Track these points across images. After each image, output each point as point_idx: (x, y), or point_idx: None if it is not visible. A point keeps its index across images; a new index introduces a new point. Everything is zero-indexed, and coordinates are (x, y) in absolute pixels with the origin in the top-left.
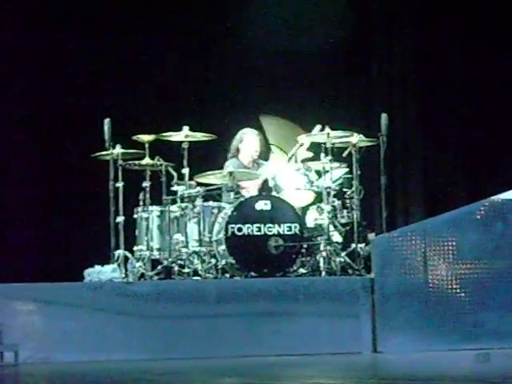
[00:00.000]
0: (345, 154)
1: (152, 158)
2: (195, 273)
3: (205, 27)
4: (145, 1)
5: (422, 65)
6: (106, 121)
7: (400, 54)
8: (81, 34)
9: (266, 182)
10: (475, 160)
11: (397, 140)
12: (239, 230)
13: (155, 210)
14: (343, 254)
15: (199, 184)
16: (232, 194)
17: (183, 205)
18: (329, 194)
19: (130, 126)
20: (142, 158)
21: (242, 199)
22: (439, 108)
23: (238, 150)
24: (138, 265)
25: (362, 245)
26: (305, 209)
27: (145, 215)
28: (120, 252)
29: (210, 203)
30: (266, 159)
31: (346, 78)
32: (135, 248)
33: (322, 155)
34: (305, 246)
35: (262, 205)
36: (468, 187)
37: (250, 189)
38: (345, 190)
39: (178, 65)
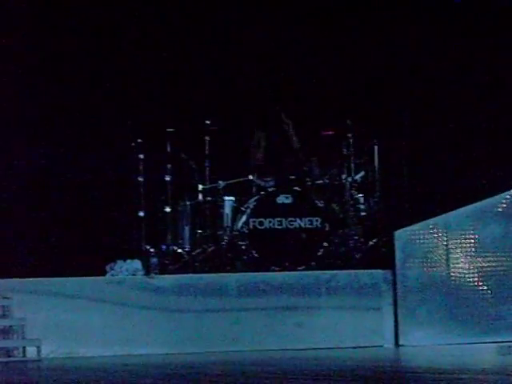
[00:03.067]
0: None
1: None
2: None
3: None
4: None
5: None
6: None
7: None
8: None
9: None
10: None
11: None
12: (260, 223)
13: None
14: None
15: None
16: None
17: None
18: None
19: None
20: None
21: (263, 193)
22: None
23: None
24: None
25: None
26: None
27: None
28: (142, 246)
29: (232, 197)
30: None
31: None
32: None
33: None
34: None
35: (283, 198)
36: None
37: None
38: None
39: None
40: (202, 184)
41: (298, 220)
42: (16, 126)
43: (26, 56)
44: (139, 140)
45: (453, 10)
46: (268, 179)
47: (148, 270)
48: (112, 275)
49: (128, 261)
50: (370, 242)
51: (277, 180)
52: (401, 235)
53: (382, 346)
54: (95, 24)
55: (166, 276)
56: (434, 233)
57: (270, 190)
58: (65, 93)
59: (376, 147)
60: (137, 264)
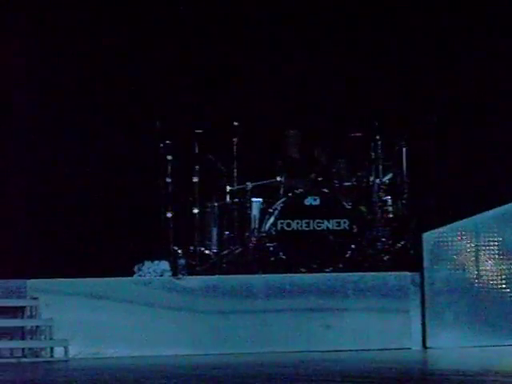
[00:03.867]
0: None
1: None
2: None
3: None
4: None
5: None
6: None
7: None
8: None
9: None
10: None
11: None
12: (288, 225)
13: None
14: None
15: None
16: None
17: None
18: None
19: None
20: None
21: (290, 194)
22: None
23: None
24: None
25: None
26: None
27: None
28: (170, 247)
29: (259, 199)
30: None
31: None
32: None
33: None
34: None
35: (311, 200)
36: None
37: None
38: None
39: None
40: (230, 185)
41: (326, 222)
42: (37, 133)
43: (49, 51)
44: (167, 141)
45: (477, 14)
46: (296, 181)
47: (175, 270)
48: (140, 276)
49: (156, 262)
50: (398, 244)
51: (305, 181)
52: (429, 237)
53: (409, 349)
54: (127, 24)
55: (194, 277)
56: (462, 235)
57: (297, 191)
58: (92, 94)
59: (404, 149)
60: (164, 265)
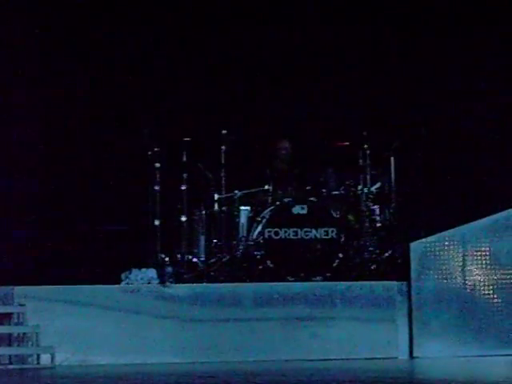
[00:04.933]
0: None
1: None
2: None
3: None
4: None
5: None
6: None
7: None
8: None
9: None
10: None
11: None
12: (276, 233)
13: None
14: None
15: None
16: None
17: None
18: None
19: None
20: None
21: (278, 203)
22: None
23: None
24: None
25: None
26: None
27: None
28: (158, 255)
29: (247, 207)
30: None
31: None
32: None
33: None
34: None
35: (299, 209)
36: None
37: None
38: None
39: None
40: (218, 193)
41: (314, 230)
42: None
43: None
44: (155, 149)
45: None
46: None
47: (163, 278)
48: (127, 283)
49: (143, 269)
50: (386, 254)
51: (293, 190)
52: (416, 247)
53: (396, 358)
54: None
55: (181, 285)
56: (450, 245)
57: (285, 200)
58: (79, 102)
59: (392, 158)
60: (152, 273)
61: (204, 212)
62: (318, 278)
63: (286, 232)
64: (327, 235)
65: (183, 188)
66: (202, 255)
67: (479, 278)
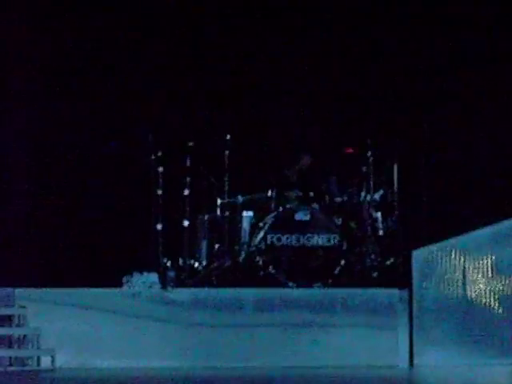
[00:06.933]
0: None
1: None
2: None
3: None
4: None
5: None
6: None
7: None
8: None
9: None
10: None
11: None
12: (278, 239)
13: None
14: None
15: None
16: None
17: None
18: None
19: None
20: None
21: (281, 209)
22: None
23: None
24: None
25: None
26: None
27: None
28: (160, 259)
29: (250, 212)
30: None
31: None
32: None
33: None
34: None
35: (302, 215)
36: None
37: None
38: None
39: None
40: (221, 198)
41: (316, 237)
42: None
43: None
44: (159, 153)
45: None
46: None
47: (164, 283)
48: (128, 287)
49: (145, 273)
50: (387, 261)
51: (296, 197)
52: (418, 255)
53: (396, 366)
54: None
55: (183, 290)
56: (452, 254)
57: (288, 206)
58: (84, 105)
59: (395, 166)
60: (153, 277)
61: (206, 217)
62: (319, 284)
63: (288, 238)
64: (329, 242)
65: (186, 193)
66: (204, 260)
67: (481, 286)
